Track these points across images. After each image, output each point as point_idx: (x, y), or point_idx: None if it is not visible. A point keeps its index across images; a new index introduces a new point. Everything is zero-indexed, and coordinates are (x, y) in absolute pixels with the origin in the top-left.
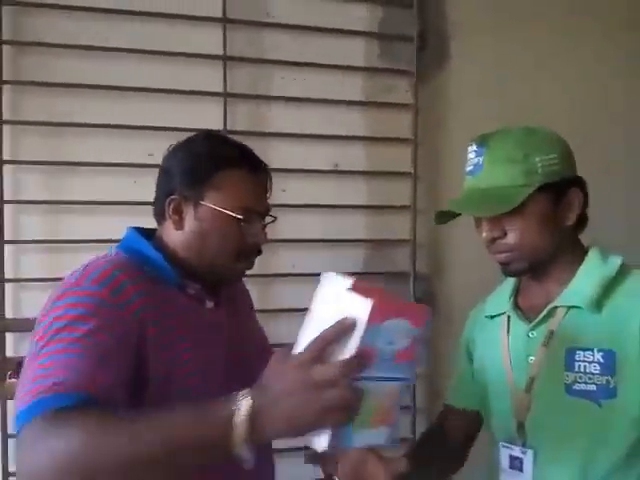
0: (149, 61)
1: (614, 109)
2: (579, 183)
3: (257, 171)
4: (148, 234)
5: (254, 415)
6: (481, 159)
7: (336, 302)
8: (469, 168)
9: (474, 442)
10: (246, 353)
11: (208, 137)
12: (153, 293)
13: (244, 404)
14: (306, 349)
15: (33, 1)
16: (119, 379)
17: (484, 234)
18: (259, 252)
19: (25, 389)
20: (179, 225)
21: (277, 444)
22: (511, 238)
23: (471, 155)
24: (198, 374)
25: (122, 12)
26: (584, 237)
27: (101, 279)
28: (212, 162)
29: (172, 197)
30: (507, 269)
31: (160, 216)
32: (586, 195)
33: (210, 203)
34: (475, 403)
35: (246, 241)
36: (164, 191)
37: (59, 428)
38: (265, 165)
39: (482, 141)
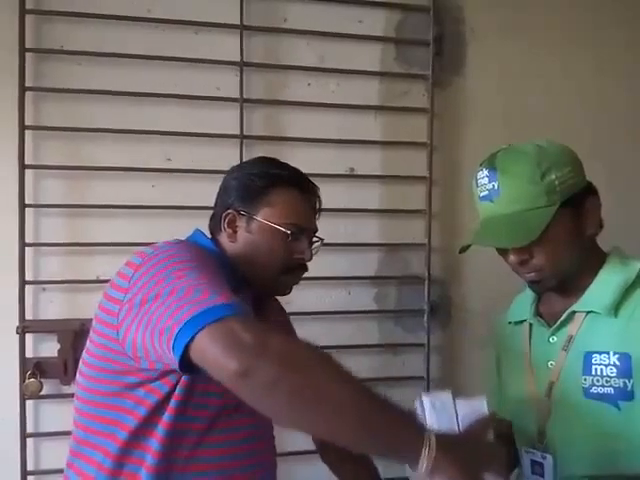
0: (167, 67)
1: (631, 108)
2: (592, 189)
3: (308, 192)
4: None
5: (440, 446)
6: (496, 183)
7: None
8: (483, 194)
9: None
10: None
11: (264, 160)
12: None
13: (433, 436)
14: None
15: (55, 9)
16: None
17: (511, 258)
18: (304, 268)
19: (189, 304)
20: (232, 237)
21: (285, 447)
22: (539, 259)
23: (484, 180)
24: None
25: (141, 19)
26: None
27: (180, 243)
28: (266, 180)
29: (228, 211)
30: (537, 287)
31: (216, 228)
32: (599, 198)
33: (262, 218)
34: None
35: (292, 256)
36: (221, 206)
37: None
38: (315, 188)
39: (493, 164)
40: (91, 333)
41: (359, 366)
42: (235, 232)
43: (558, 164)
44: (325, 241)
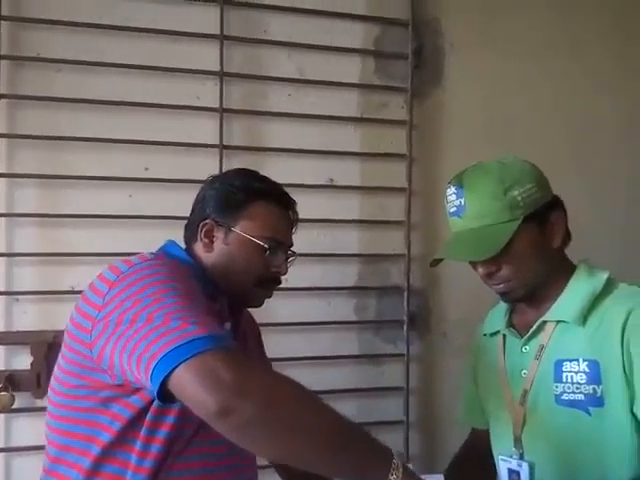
0: (146, 76)
1: (613, 123)
2: (557, 203)
3: (287, 207)
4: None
5: (406, 471)
6: (462, 200)
7: None
8: (452, 210)
9: None
10: None
11: (245, 172)
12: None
13: (400, 462)
14: None
15: (32, 16)
16: None
17: (480, 270)
18: (278, 282)
19: (167, 334)
20: (209, 248)
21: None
22: (506, 271)
23: (452, 197)
24: None
25: (120, 28)
26: (575, 252)
27: (155, 258)
28: (247, 193)
29: (205, 221)
30: (506, 298)
31: (192, 238)
32: (565, 212)
33: (240, 230)
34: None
35: (268, 270)
36: (198, 216)
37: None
38: (294, 204)
39: (460, 182)
40: (63, 348)
41: (339, 377)
42: (212, 242)
43: (520, 180)
44: (304, 252)
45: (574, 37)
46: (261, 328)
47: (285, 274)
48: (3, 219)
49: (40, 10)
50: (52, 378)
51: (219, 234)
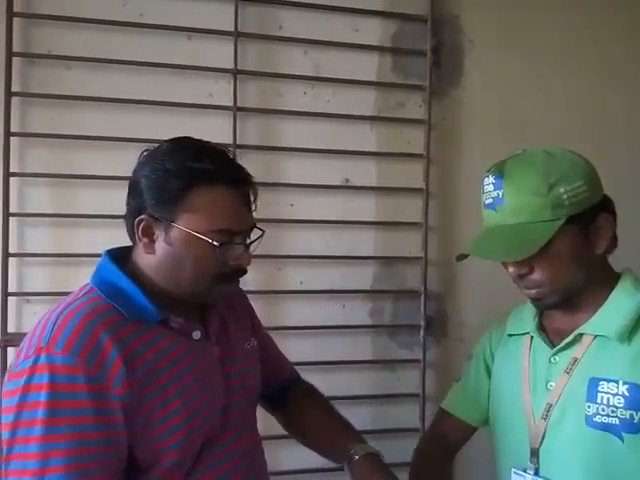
0: (159, 74)
1: (632, 124)
2: (607, 205)
3: (237, 185)
4: (126, 254)
5: None
6: (501, 192)
7: None
8: (488, 201)
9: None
10: (246, 378)
11: (178, 147)
12: (136, 337)
13: None
14: None
15: (44, 13)
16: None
17: (511, 270)
18: (243, 272)
19: None
20: (150, 249)
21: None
22: (540, 274)
23: (489, 187)
24: (187, 420)
25: (132, 25)
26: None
27: (73, 341)
28: (184, 178)
29: (140, 217)
30: (538, 304)
31: (132, 238)
32: (615, 215)
33: (183, 226)
34: (476, 418)
35: (226, 265)
36: (132, 210)
37: None
38: (246, 176)
39: (500, 172)
40: None
41: (352, 383)
42: (152, 242)
43: (568, 177)
44: (319, 254)
45: (594, 37)
46: (274, 331)
47: (248, 264)
48: (14, 219)
49: (52, 6)
50: None
51: (159, 231)
